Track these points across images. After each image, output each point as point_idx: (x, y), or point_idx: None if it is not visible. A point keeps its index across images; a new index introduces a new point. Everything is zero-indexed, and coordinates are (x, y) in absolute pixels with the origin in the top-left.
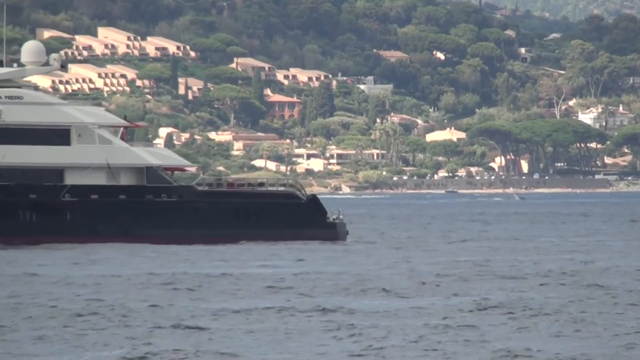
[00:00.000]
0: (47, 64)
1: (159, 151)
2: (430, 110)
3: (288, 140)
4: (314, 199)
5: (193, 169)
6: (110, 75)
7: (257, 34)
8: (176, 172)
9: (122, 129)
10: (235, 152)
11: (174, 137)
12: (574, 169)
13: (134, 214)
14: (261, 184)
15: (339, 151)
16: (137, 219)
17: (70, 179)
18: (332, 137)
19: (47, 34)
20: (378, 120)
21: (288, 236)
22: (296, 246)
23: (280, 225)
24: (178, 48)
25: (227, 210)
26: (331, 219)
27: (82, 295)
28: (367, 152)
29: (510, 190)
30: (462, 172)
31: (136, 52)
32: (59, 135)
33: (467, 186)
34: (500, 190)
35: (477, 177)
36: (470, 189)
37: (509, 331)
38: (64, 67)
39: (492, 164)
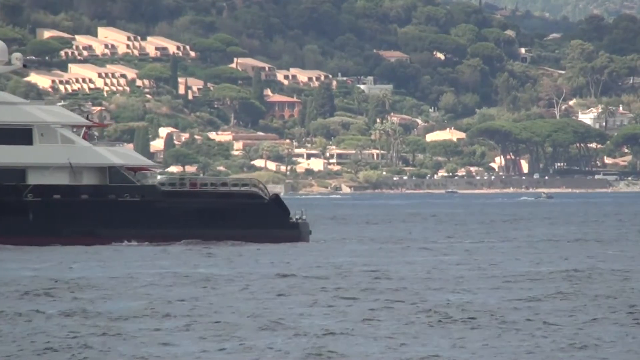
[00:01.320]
0: (9, 63)
1: (121, 151)
2: (430, 110)
3: (288, 140)
4: (276, 199)
5: (156, 169)
6: (110, 75)
7: (257, 34)
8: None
9: (84, 128)
10: (235, 152)
11: (174, 137)
12: (574, 169)
13: (97, 213)
14: (224, 184)
15: (339, 151)
16: (100, 218)
17: (33, 179)
18: (332, 137)
19: (47, 34)
20: (378, 120)
21: (251, 236)
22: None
23: (242, 225)
24: (178, 48)
25: (190, 210)
26: (294, 219)
27: None
28: (367, 152)
29: (538, 190)
30: (462, 172)
31: (136, 52)
32: (21, 135)
33: (467, 186)
34: (498, 190)
35: (477, 177)
36: (470, 189)
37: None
38: (26, 66)
39: (492, 164)
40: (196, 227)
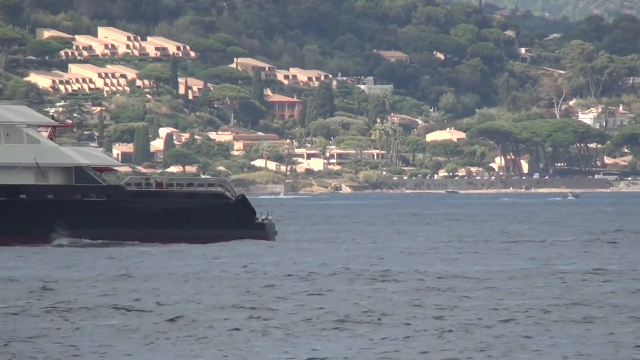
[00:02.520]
0: None
1: (88, 151)
2: (430, 110)
3: (288, 140)
4: (242, 199)
5: (123, 169)
6: (110, 75)
7: (257, 34)
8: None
9: (50, 128)
10: (235, 152)
11: (174, 137)
12: (574, 169)
13: (63, 213)
14: (190, 184)
15: (339, 151)
16: (66, 218)
17: None
18: (332, 137)
19: (47, 34)
20: (378, 120)
21: (217, 236)
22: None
23: (208, 225)
24: (178, 48)
25: (156, 211)
26: (260, 219)
27: None
28: (367, 152)
29: (565, 190)
30: (462, 172)
31: (136, 52)
32: None
33: (467, 186)
34: (495, 190)
35: (477, 177)
36: (471, 189)
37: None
38: None
39: (492, 164)
40: (162, 228)
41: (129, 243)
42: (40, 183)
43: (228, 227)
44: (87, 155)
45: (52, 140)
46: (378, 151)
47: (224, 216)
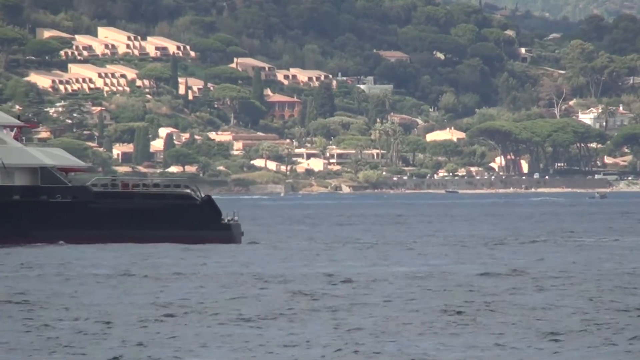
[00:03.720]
0: None
1: (53, 151)
2: (430, 110)
3: (288, 140)
4: (208, 200)
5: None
6: (110, 75)
7: (257, 34)
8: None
9: (15, 129)
10: (235, 152)
11: (174, 137)
12: (574, 169)
13: (29, 214)
14: (156, 185)
15: (339, 151)
16: (32, 219)
17: None
18: (332, 137)
19: (47, 34)
20: (378, 120)
21: (183, 237)
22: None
23: (174, 226)
24: (178, 48)
25: (122, 211)
26: (226, 220)
27: None
28: (367, 152)
29: (593, 189)
30: (462, 172)
31: (136, 52)
32: None
33: (467, 186)
34: (493, 191)
35: (477, 177)
36: (471, 189)
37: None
38: None
39: (492, 164)
40: (128, 228)
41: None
42: (6, 184)
43: (193, 228)
44: (53, 156)
45: (17, 140)
46: (378, 151)
47: (190, 217)
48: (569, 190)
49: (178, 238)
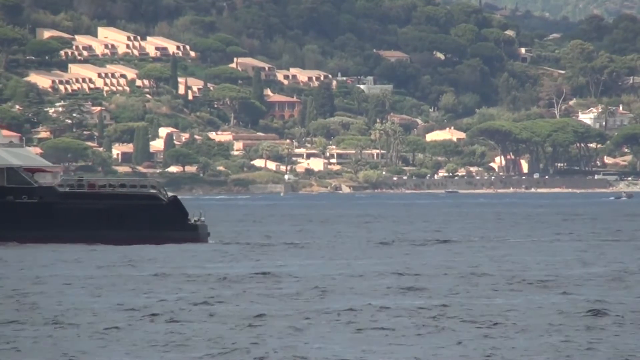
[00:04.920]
0: None
1: (19, 152)
2: (430, 110)
3: (288, 140)
4: (175, 201)
5: (56, 170)
6: (110, 75)
7: (257, 34)
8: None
9: None
10: (235, 152)
11: (174, 137)
12: (574, 169)
13: None
14: (123, 185)
15: (339, 151)
16: None
17: None
18: (332, 137)
19: (47, 34)
20: (378, 120)
21: (149, 237)
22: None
23: (141, 226)
24: (178, 48)
25: (88, 212)
26: (192, 221)
27: None
28: (367, 152)
29: (618, 189)
30: (462, 172)
31: (136, 52)
32: None
33: (467, 186)
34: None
35: (477, 177)
36: (470, 189)
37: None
38: None
39: (492, 164)
40: (95, 229)
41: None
42: None
43: (160, 229)
44: (19, 156)
45: None
46: (378, 151)
47: (156, 217)
48: (569, 190)
49: (144, 238)
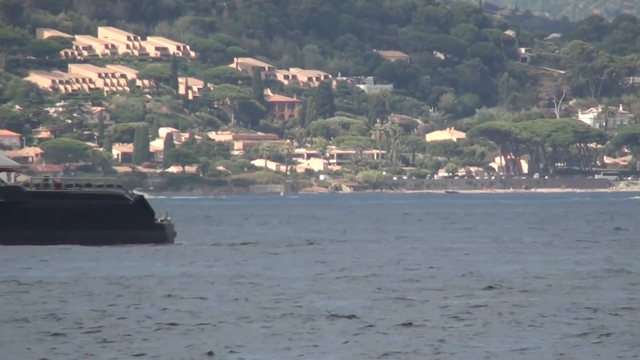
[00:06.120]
0: None
1: None
2: (430, 110)
3: (288, 140)
4: (141, 200)
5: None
6: (110, 75)
7: (257, 34)
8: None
9: None
10: (235, 152)
11: (174, 137)
12: (574, 169)
13: None
14: (89, 185)
15: (339, 151)
16: None
17: None
18: (332, 137)
19: (47, 34)
20: (378, 120)
21: (115, 238)
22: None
23: (107, 226)
24: (178, 48)
25: (55, 212)
26: (159, 221)
27: None
28: (367, 152)
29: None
30: (462, 172)
31: (136, 52)
32: None
33: (467, 186)
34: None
35: (477, 177)
36: (470, 189)
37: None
38: None
39: (492, 164)
40: (61, 229)
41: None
42: None
43: (126, 228)
44: None
45: None
46: (378, 151)
47: (122, 217)
48: (569, 190)
49: (111, 239)
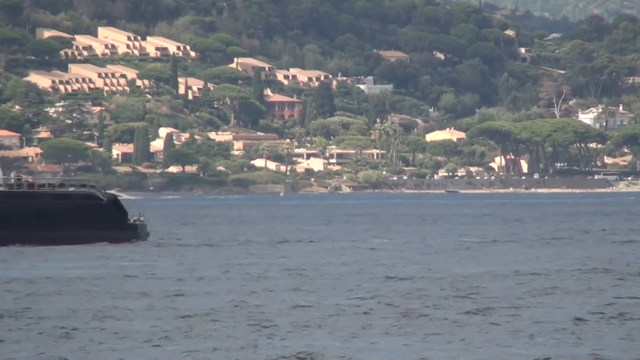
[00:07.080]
0: None
1: None
2: (430, 110)
3: (288, 140)
4: (114, 200)
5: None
6: (110, 75)
7: (257, 34)
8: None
9: None
10: (235, 152)
11: (174, 137)
12: (574, 169)
13: None
14: (62, 185)
15: (339, 151)
16: None
17: None
18: (332, 137)
19: (47, 34)
20: (378, 120)
21: (88, 237)
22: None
23: (80, 226)
24: (178, 48)
25: (28, 211)
26: (132, 220)
27: None
28: (367, 152)
29: None
30: (461, 172)
31: (136, 52)
32: None
33: (467, 186)
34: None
35: (477, 177)
36: (470, 189)
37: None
38: None
39: (492, 164)
40: (34, 229)
41: None
42: None
43: (99, 228)
44: None
45: None
46: (378, 151)
47: (95, 217)
48: (569, 190)
49: (83, 238)
